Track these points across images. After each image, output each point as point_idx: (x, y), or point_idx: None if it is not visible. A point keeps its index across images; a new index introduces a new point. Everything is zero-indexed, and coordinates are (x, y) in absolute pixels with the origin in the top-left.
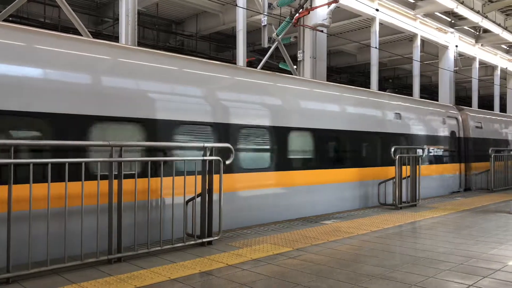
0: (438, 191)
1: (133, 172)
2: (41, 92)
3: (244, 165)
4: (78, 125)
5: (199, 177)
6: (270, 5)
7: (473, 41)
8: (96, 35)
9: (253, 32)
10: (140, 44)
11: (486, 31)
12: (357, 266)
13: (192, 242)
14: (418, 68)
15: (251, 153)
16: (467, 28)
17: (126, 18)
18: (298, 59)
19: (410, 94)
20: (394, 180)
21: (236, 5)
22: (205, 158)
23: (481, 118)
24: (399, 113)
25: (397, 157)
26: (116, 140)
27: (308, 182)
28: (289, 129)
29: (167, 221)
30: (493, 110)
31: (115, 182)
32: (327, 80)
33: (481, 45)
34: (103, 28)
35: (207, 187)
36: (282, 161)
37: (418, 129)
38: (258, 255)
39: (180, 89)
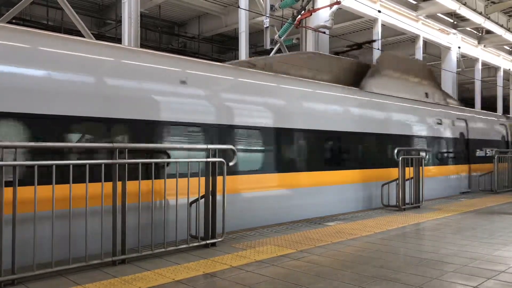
0: None
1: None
2: None
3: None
4: None
5: (203, 179)
6: (272, 7)
7: (476, 42)
8: (98, 37)
9: (255, 33)
10: (142, 46)
11: (488, 32)
12: (361, 268)
13: (196, 244)
14: None
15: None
16: (469, 29)
17: (129, 20)
18: None
19: None
20: (397, 181)
21: (239, 7)
22: (208, 159)
23: None
24: None
25: (400, 158)
26: None
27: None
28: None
29: (171, 222)
30: (495, 112)
31: (119, 184)
32: None
33: (484, 46)
34: (106, 30)
35: (210, 189)
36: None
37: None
38: (262, 257)
39: None
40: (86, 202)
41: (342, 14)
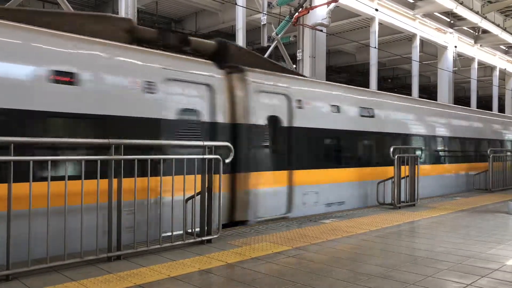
0: None
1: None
2: None
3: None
4: None
5: (199, 176)
6: (269, 4)
7: (472, 41)
8: None
9: (253, 31)
10: None
11: (485, 31)
12: (356, 265)
13: (192, 240)
14: (417, 68)
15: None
16: (466, 28)
17: (126, 16)
18: (298, 58)
19: (409, 94)
20: (393, 179)
21: (236, 4)
22: (204, 156)
23: None
24: None
25: (396, 156)
26: None
27: None
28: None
29: (167, 219)
30: (491, 111)
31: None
32: (326, 80)
33: (480, 45)
34: None
35: (206, 186)
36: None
37: None
38: (258, 254)
39: None
40: (82, 198)
41: (339, 12)
